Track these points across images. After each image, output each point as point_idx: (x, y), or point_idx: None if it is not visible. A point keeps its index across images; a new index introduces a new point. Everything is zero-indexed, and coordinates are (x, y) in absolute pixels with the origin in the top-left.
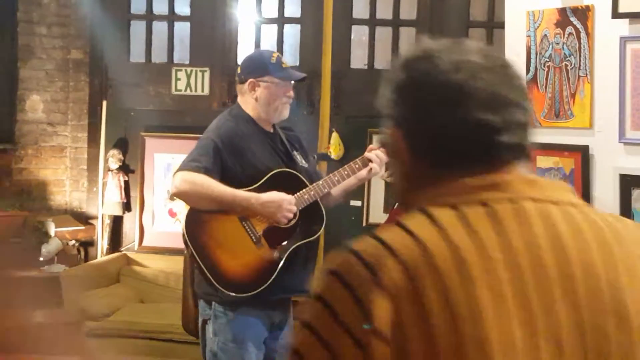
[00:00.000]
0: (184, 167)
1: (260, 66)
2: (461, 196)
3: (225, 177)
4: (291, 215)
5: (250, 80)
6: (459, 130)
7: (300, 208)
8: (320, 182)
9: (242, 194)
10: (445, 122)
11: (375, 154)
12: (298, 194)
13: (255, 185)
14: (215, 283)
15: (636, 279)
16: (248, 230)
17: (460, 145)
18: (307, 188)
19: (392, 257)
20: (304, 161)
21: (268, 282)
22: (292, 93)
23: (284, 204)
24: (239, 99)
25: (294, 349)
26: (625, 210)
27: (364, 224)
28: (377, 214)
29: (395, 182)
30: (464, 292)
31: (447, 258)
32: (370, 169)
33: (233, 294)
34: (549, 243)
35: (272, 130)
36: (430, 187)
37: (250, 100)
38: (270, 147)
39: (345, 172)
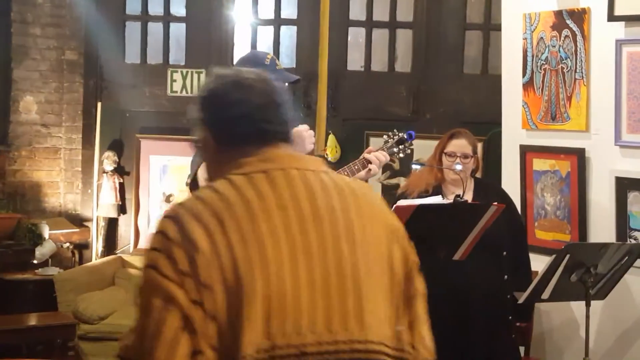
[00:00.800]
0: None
1: (254, 67)
2: (249, 167)
3: None
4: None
5: None
6: (244, 124)
7: None
8: None
9: None
10: (234, 119)
11: (375, 155)
12: None
13: None
14: None
15: (363, 217)
16: None
17: (245, 134)
18: None
19: (203, 204)
20: None
21: None
22: None
23: (303, 131)
24: None
25: (140, 288)
26: (621, 212)
27: None
28: None
29: (206, 165)
30: (250, 224)
31: (240, 204)
32: (369, 169)
33: None
34: (306, 195)
35: None
36: (229, 163)
37: None
38: None
39: (345, 173)
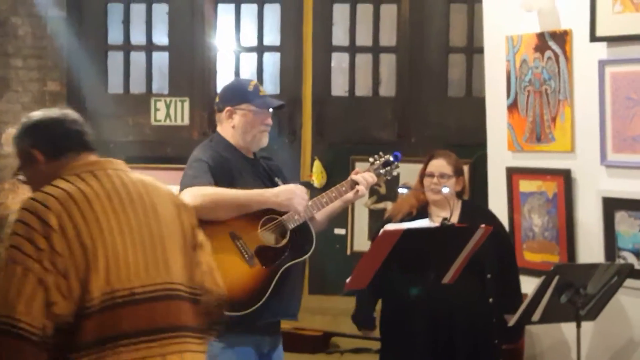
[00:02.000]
0: (188, 185)
1: (237, 94)
2: (78, 169)
3: None
4: (305, 204)
5: (228, 108)
6: (67, 138)
7: (290, 229)
8: (309, 203)
9: (254, 190)
10: (59, 135)
11: (362, 176)
12: (288, 214)
13: None
14: None
15: (159, 198)
16: (240, 248)
17: (70, 145)
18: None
19: (51, 196)
20: None
21: (262, 301)
22: (270, 121)
23: (297, 190)
24: (218, 128)
25: (6, 261)
26: (609, 232)
27: (349, 252)
28: (361, 241)
29: (38, 178)
30: (88, 207)
31: (78, 194)
32: (357, 190)
33: (231, 313)
34: (122, 186)
35: (252, 157)
36: (60, 170)
37: (228, 128)
38: (253, 172)
39: (333, 194)
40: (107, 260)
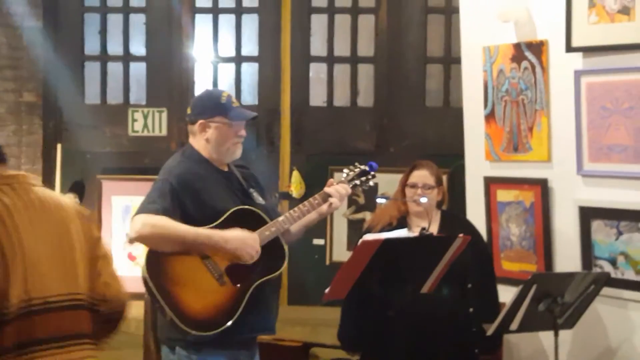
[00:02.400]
0: (142, 211)
1: (210, 107)
2: None
3: (184, 219)
4: (255, 253)
5: (201, 121)
6: None
7: (262, 244)
8: (281, 218)
9: (204, 232)
10: None
11: (335, 188)
12: (259, 230)
13: (215, 224)
14: (179, 323)
15: (67, 213)
16: (210, 268)
17: None
18: (268, 224)
19: None
20: (260, 198)
21: (233, 319)
22: (244, 132)
23: (248, 240)
24: (191, 140)
25: None
26: (586, 241)
27: (328, 262)
28: (340, 251)
29: None
30: (11, 222)
31: (1, 207)
32: (331, 203)
33: (198, 333)
34: (37, 201)
35: (226, 169)
36: None
37: (201, 141)
38: (226, 186)
39: (305, 208)
40: (26, 269)
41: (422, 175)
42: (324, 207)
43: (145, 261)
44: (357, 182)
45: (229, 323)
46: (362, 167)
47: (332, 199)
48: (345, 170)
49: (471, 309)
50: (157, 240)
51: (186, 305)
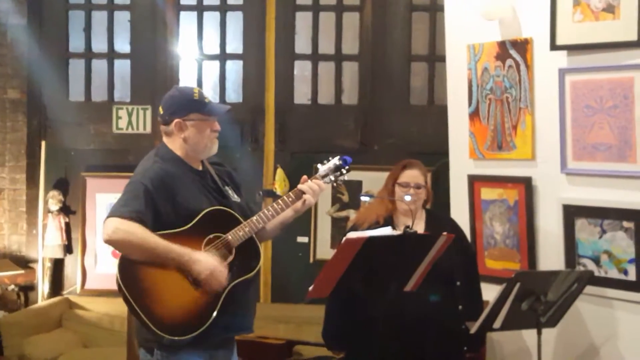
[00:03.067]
0: (115, 213)
1: (183, 105)
2: None
3: (158, 220)
4: (219, 286)
5: (176, 120)
6: None
7: (235, 245)
8: (255, 217)
9: (175, 249)
10: None
11: (308, 185)
12: (232, 231)
13: (188, 226)
14: (152, 327)
15: None
16: (185, 272)
17: None
18: (242, 224)
19: None
20: (235, 196)
21: (208, 323)
22: (218, 126)
23: (216, 272)
24: (165, 139)
25: None
26: (569, 239)
27: (311, 260)
28: (324, 249)
29: None
30: None
31: None
32: (304, 200)
33: (172, 338)
34: None
35: (200, 168)
36: None
37: (177, 140)
38: (200, 185)
39: (279, 206)
40: None
41: (414, 175)
42: (298, 204)
43: (119, 265)
44: (332, 177)
45: (204, 327)
46: (336, 161)
47: (305, 196)
48: (319, 166)
49: (460, 307)
50: (127, 247)
51: (160, 310)
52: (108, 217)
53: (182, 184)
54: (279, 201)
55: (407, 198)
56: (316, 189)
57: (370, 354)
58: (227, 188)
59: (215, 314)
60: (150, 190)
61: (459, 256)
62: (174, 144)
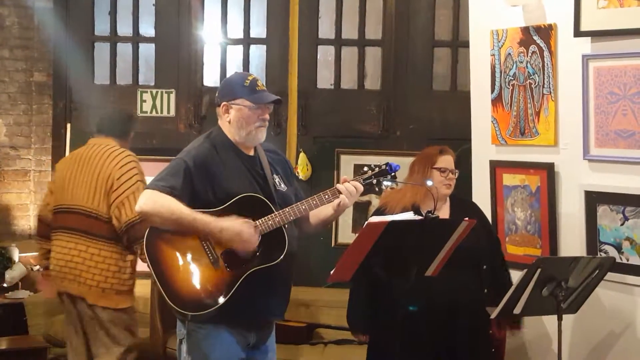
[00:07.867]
0: (150, 186)
1: (232, 89)
2: None
3: (196, 200)
4: (250, 247)
5: (224, 103)
6: None
7: (263, 233)
8: (287, 209)
9: (202, 217)
10: None
11: (345, 186)
12: (262, 219)
13: (219, 208)
14: (167, 299)
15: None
16: (207, 250)
17: None
18: (273, 214)
19: None
20: (282, 185)
21: (221, 303)
22: (267, 116)
23: (244, 234)
24: (219, 122)
25: None
26: (591, 225)
27: (333, 244)
28: (346, 233)
29: None
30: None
31: None
32: (340, 201)
33: (182, 311)
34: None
35: (251, 154)
36: None
37: (225, 123)
38: (246, 170)
39: (314, 202)
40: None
41: (449, 161)
42: (334, 203)
43: (146, 236)
44: (374, 181)
45: (216, 307)
46: (383, 166)
47: (341, 197)
48: (365, 168)
49: (486, 290)
50: (156, 217)
51: (177, 284)
52: (145, 188)
53: (226, 167)
54: (315, 197)
55: (429, 183)
56: (352, 190)
57: (395, 337)
58: (275, 176)
59: (229, 296)
60: (190, 169)
61: (485, 240)
62: (224, 126)
